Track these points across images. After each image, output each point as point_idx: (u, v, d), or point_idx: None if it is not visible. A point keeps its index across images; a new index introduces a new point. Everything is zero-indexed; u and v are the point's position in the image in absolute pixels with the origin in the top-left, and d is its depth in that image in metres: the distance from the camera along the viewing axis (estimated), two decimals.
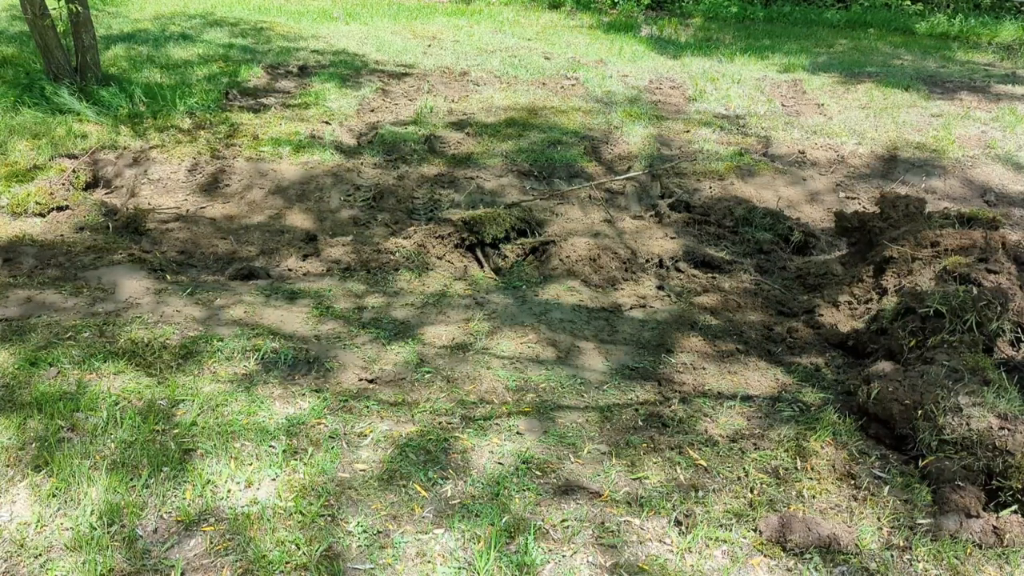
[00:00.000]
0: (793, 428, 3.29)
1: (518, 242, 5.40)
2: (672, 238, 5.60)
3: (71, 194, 5.74)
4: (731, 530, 2.71)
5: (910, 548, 2.68)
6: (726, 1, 15.26)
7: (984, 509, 2.80)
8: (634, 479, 2.96)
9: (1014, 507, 2.77)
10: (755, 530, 2.71)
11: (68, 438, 3.01)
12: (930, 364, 3.38)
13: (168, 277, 4.67)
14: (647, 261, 5.22)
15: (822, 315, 4.39)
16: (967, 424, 2.98)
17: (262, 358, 3.63)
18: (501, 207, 5.70)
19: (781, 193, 6.51)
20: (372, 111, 7.99)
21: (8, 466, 2.87)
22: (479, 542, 2.60)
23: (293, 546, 2.56)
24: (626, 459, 3.06)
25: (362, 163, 6.69)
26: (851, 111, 8.51)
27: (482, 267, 5.23)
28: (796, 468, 3.04)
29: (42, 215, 5.50)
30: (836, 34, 13.51)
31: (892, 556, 2.65)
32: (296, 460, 2.95)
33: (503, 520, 2.69)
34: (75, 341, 3.71)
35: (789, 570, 2.58)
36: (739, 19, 14.81)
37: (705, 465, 3.04)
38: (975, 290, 3.68)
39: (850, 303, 4.42)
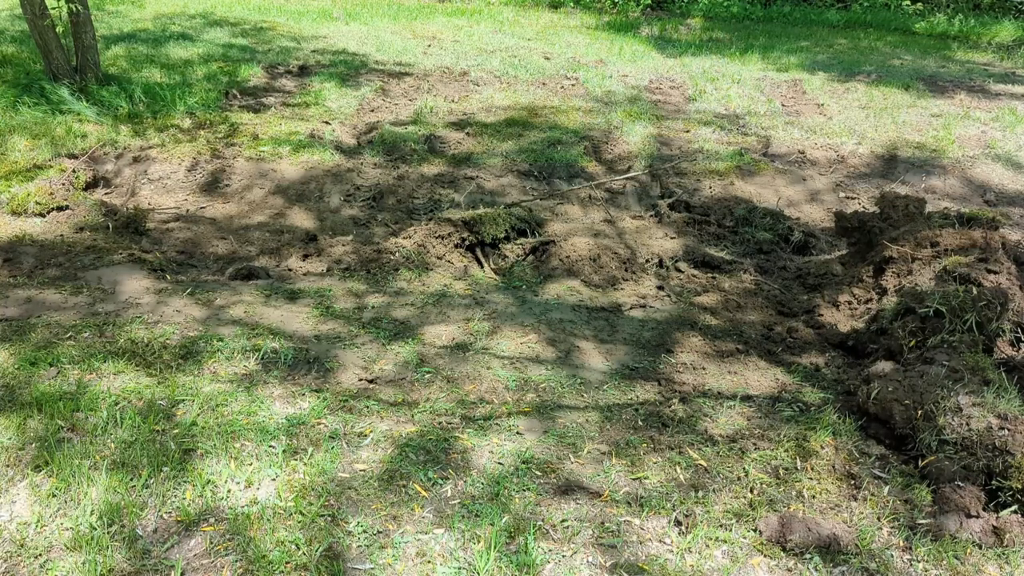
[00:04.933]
0: (793, 428, 3.29)
1: (518, 242, 5.40)
2: (672, 238, 5.61)
3: (71, 194, 5.74)
4: (731, 530, 2.71)
5: (910, 548, 2.68)
6: (726, 1, 15.26)
7: (984, 509, 2.80)
8: (634, 479, 2.96)
9: (1014, 507, 2.77)
10: (755, 530, 2.71)
11: (68, 438, 3.01)
12: (930, 364, 3.38)
13: (168, 277, 4.67)
14: (647, 261, 5.22)
15: (822, 315, 4.40)
16: (967, 424, 2.98)
17: (262, 358, 3.63)
18: (501, 207, 5.70)
19: (781, 193, 6.51)
20: (372, 111, 8.00)
21: (8, 466, 2.87)
22: (479, 542, 2.60)
23: (293, 546, 2.56)
24: (626, 459, 3.06)
25: (362, 163, 6.69)
26: (851, 111, 8.51)
27: (482, 267, 5.23)
28: (796, 468, 3.04)
29: (42, 215, 5.50)
30: (836, 34, 13.51)
31: (892, 556, 2.65)
32: (296, 460, 2.95)
33: (503, 520, 2.69)
34: (75, 341, 3.71)
35: (789, 570, 2.58)
36: (739, 19, 14.81)
37: (705, 465, 3.04)
38: (975, 290, 3.68)
39: (850, 303, 4.42)
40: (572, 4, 15.14)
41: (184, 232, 5.60)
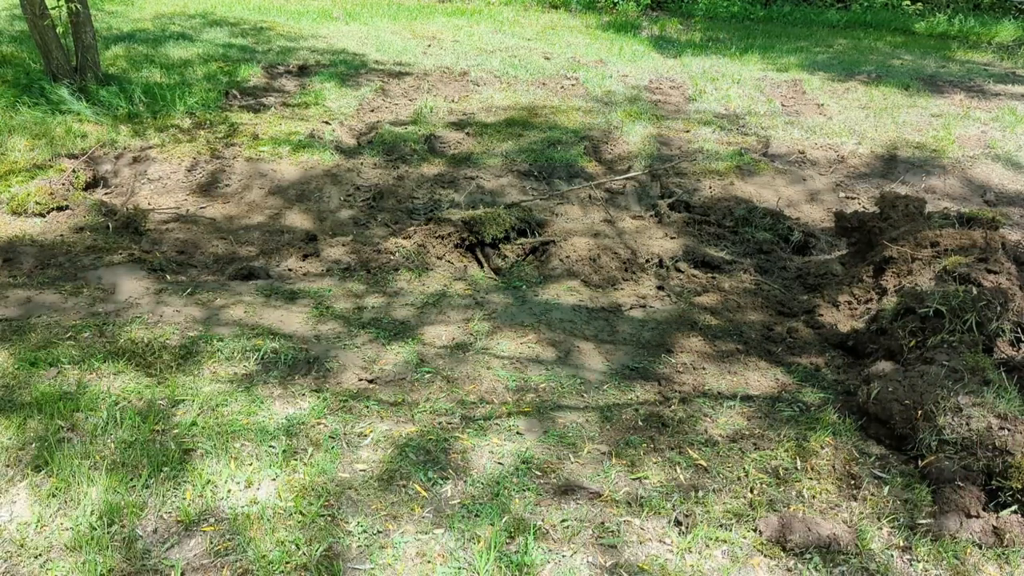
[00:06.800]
0: (793, 428, 3.29)
1: (518, 242, 5.39)
2: (672, 238, 5.60)
3: (71, 194, 5.74)
4: (731, 530, 2.71)
5: (910, 548, 2.68)
6: (726, 1, 15.26)
7: (984, 509, 2.80)
8: (634, 479, 2.96)
9: (1014, 507, 2.77)
10: (755, 530, 2.71)
11: (68, 438, 3.01)
12: (930, 364, 3.38)
13: (168, 277, 4.67)
14: (647, 261, 5.22)
15: (822, 315, 4.39)
16: (967, 424, 2.98)
17: (262, 358, 3.63)
18: (501, 207, 5.70)
19: (781, 193, 6.51)
20: (372, 111, 7.99)
21: (8, 466, 2.86)
22: (479, 542, 2.60)
23: (293, 546, 2.55)
24: (626, 459, 3.06)
25: (362, 163, 6.69)
26: (851, 111, 8.51)
27: (482, 267, 5.23)
28: (796, 468, 3.04)
29: (42, 215, 5.50)
30: (836, 34, 13.51)
31: (892, 556, 2.65)
32: (296, 460, 2.95)
33: (503, 520, 2.69)
34: (75, 341, 3.70)
35: (789, 570, 2.58)
36: (739, 19, 14.82)
37: (705, 465, 3.04)
38: (975, 290, 3.68)
39: (850, 303, 4.42)
40: (573, 4, 15.14)
41: (184, 232, 5.60)
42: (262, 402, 3.31)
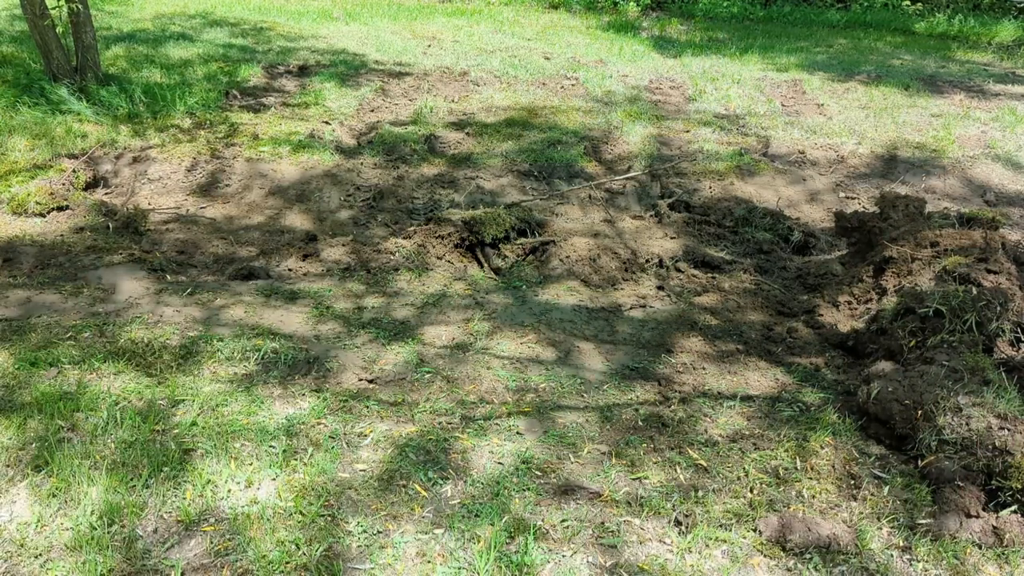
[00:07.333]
0: (793, 428, 3.29)
1: (518, 242, 5.39)
2: (672, 238, 5.61)
3: (71, 194, 5.74)
4: (731, 530, 2.71)
5: (910, 548, 2.68)
6: (726, 1, 15.26)
7: (984, 509, 2.80)
8: (634, 479, 2.96)
9: (1014, 507, 2.77)
10: (755, 530, 2.71)
11: (68, 438, 3.01)
12: (930, 364, 3.38)
13: (168, 277, 4.67)
14: (647, 261, 5.22)
15: (822, 315, 4.39)
16: (967, 424, 2.98)
17: (262, 358, 3.63)
18: (501, 207, 5.70)
19: (781, 193, 6.51)
20: (372, 111, 7.99)
21: (8, 466, 2.87)
22: (479, 542, 2.60)
23: (293, 546, 2.56)
24: (626, 459, 3.06)
25: (362, 163, 6.69)
26: (851, 111, 8.51)
27: (482, 267, 5.23)
28: (796, 468, 3.04)
29: (42, 215, 5.50)
30: (836, 34, 13.51)
31: (892, 556, 2.65)
32: (296, 460, 2.95)
33: (503, 520, 2.69)
34: (75, 341, 3.70)
35: (789, 570, 2.58)
36: (739, 19, 14.82)
37: (705, 465, 3.04)
38: (975, 290, 3.68)
39: (850, 303, 4.42)
40: (573, 3, 15.13)
41: (184, 232, 5.60)
42: (262, 402, 3.31)
